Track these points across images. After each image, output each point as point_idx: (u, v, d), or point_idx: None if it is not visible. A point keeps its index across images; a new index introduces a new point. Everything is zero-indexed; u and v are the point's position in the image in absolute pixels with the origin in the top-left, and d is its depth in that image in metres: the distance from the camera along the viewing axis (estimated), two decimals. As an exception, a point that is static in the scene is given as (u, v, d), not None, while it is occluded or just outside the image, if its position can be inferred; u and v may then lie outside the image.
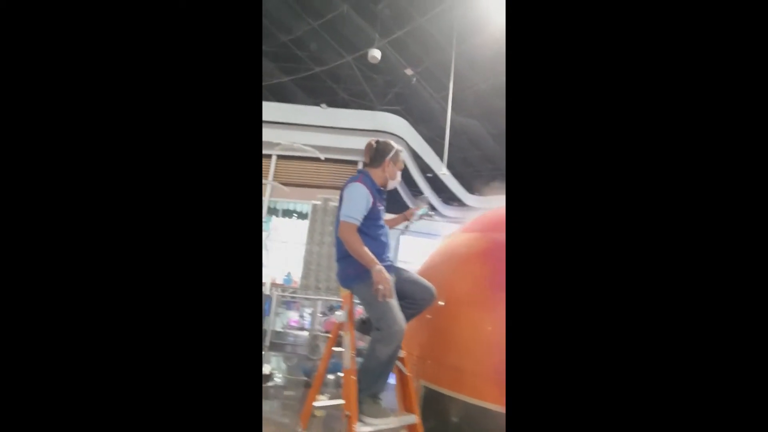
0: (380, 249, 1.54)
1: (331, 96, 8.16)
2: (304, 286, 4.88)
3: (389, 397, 1.55)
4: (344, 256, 1.52)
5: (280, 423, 2.25)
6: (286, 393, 2.85)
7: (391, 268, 1.58)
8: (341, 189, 1.57)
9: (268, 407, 2.55)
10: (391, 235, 1.74)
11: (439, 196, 8.90)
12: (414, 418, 1.48)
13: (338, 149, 6.61)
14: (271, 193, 6.56)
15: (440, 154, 7.17)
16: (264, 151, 6.71)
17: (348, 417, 1.37)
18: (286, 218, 7.19)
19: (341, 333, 1.57)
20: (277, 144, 6.13)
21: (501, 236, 1.60)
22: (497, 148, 9.17)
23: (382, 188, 1.64)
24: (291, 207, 7.20)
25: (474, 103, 8.03)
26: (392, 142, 1.67)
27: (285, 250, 6.75)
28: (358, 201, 1.49)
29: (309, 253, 4.94)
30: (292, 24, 7.24)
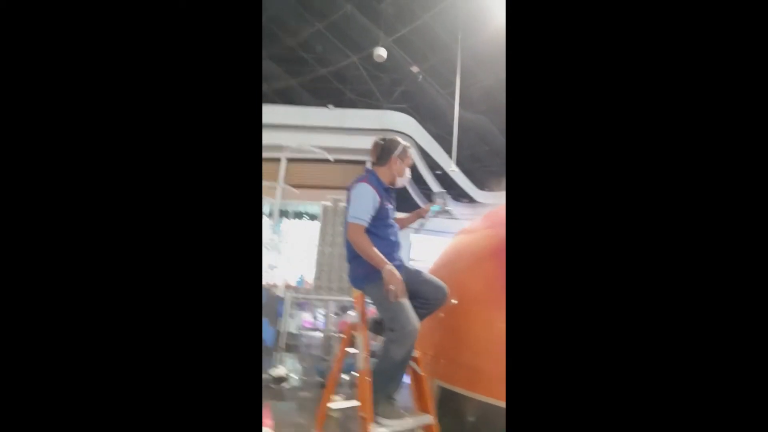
0: (390, 249, 1.52)
1: (338, 97, 8.18)
2: (317, 287, 4.91)
3: (404, 397, 1.54)
4: (355, 257, 1.51)
5: (296, 424, 2.27)
6: (302, 394, 2.87)
7: (402, 268, 1.56)
8: (347, 189, 1.56)
9: (284, 408, 2.57)
10: (403, 234, 1.72)
11: (449, 193, 8.84)
12: (430, 419, 1.47)
13: (347, 149, 6.62)
14: (281, 195, 6.62)
15: (449, 151, 7.12)
16: (273, 154, 6.78)
17: (363, 418, 1.37)
18: (297, 220, 7.25)
19: (354, 334, 1.57)
20: (286, 147, 6.17)
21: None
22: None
23: (390, 186, 1.62)
24: (302, 209, 7.25)
25: (481, 98, 7.95)
26: (399, 139, 1.63)
27: (297, 251, 6.80)
28: (364, 201, 1.47)
29: (321, 254, 4.95)
30: (298, 27, 7.28)
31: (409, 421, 1.43)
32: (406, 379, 1.52)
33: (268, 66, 8.06)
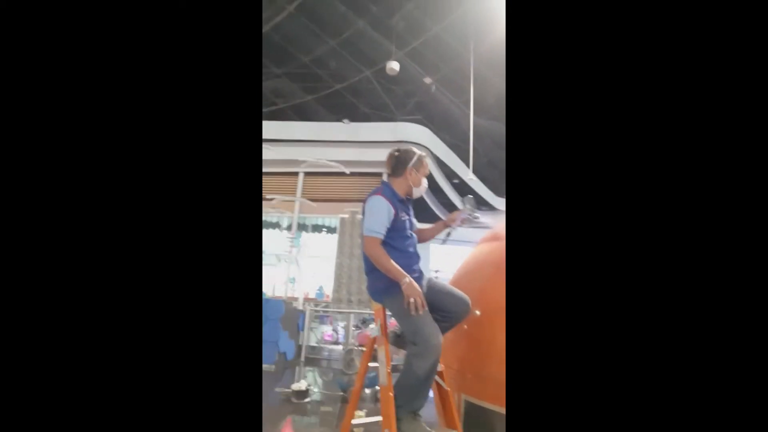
0: (409, 260, 1.50)
1: (352, 111, 8.31)
2: (336, 300, 4.91)
3: (429, 413, 1.50)
4: (373, 270, 1.50)
5: (319, 440, 2.23)
6: (323, 409, 2.84)
7: (422, 280, 1.54)
8: (363, 202, 1.56)
9: (306, 423, 2.55)
10: (423, 245, 1.69)
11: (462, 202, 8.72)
12: (456, 435, 1.42)
13: (362, 162, 6.68)
14: (299, 209, 6.71)
15: (465, 160, 7.08)
16: (290, 169, 6.92)
17: (388, 435, 1.33)
18: (316, 233, 7.31)
19: (376, 347, 1.54)
20: (303, 161, 6.28)
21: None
22: (524, 149, 8.90)
23: (407, 198, 1.61)
24: (320, 222, 7.31)
25: (495, 104, 7.90)
26: (414, 149, 1.63)
27: (316, 264, 6.84)
28: (378, 214, 1.47)
29: (339, 267, 4.97)
30: (312, 44, 7.48)
31: (435, 438, 1.39)
32: (431, 393, 1.48)
33: (284, 83, 8.29)
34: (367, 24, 6.95)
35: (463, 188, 8.20)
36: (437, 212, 7.72)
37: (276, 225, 7.35)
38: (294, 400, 2.92)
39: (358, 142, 7.03)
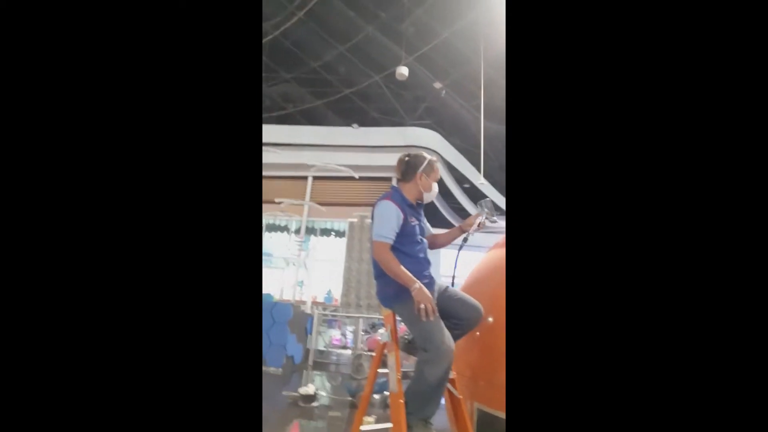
0: (419, 266, 1.49)
1: (362, 115, 8.34)
2: (345, 304, 4.90)
3: (441, 420, 1.47)
4: (382, 275, 1.49)
5: (327, 446, 2.21)
6: (332, 414, 2.82)
7: (433, 285, 1.52)
8: (373, 207, 1.55)
9: (314, 427, 2.53)
10: (434, 251, 1.66)
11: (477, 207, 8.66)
12: (469, 445, 1.39)
13: (372, 167, 6.69)
14: (308, 213, 6.74)
15: (476, 164, 7.04)
16: (300, 173, 6.97)
17: (398, 443, 1.31)
18: (325, 237, 7.34)
19: (386, 353, 1.52)
20: (313, 166, 6.32)
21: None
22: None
23: (417, 202, 1.60)
24: (328, 226, 7.34)
25: (505, 107, 7.86)
26: (425, 154, 1.62)
27: (325, 268, 6.85)
28: (387, 219, 1.46)
29: (348, 271, 4.97)
30: (322, 50, 7.55)
31: (446, 447, 1.36)
32: (443, 401, 1.45)
33: (293, 88, 8.38)
34: (376, 29, 7.00)
35: (474, 193, 8.15)
36: (448, 217, 7.68)
37: (285, 228, 7.39)
38: (301, 403, 2.91)
39: (367, 147, 7.05)
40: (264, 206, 6.55)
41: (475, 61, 6.46)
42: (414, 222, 1.53)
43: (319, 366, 4.83)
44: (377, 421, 2.14)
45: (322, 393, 3.27)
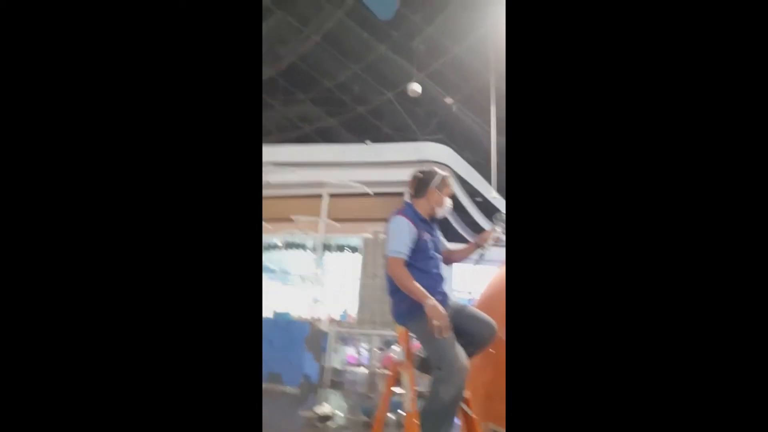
0: (433, 282, 1.48)
1: (375, 132, 8.47)
2: (360, 321, 4.86)
3: (456, 442, 1.43)
4: (396, 291, 1.49)
5: (343, 467, 2.17)
6: (348, 434, 2.77)
7: (447, 302, 1.50)
8: (387, 222, 1.56)
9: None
10: (454, 267, 1.65)
11: (492, 221, 8.57)
12: (486, 468, 1.35)
13: (385, 183, 6.73)
14: (324, 229, 6.80)
15: (488, 178, 7.00)
16: (315, 191, 7.07)
17: (413, 465, 1.28)
18: (339, 253, 7.36)
19: (400, 371, 1.51)
20: (328, 183, 6.41)
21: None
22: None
23: (431, 218, 1.60)
24: (343, 242, 7.37)
25: (518, 122, 7.83)
26: (437, 169, 1.63)
27: (340, 284, 6.85)
28: (400, 234, 1.46)
29: (363, 287, 4.95)
30: (336, 70, 7.77)
31: (462, 470, 1.32)
32: (457, 421, 1.42)
33: (309, 108, 8.61)
34: (389, 48, 7.16)
35: (486, 206, 8.08)
36: (461, 231, 7.61)
37: (301, 246, 7.46)
38: (318, 424, 2.87)
39: (381, 163, 7.12)
40: (281, 224, 6.66)
41: (485, 76, 6.51)
42: (427, 237, 1.53)
43: (334, 385, 4.77)
44: (393, 442, 2.09)
45: (339, 412, 3.22)
